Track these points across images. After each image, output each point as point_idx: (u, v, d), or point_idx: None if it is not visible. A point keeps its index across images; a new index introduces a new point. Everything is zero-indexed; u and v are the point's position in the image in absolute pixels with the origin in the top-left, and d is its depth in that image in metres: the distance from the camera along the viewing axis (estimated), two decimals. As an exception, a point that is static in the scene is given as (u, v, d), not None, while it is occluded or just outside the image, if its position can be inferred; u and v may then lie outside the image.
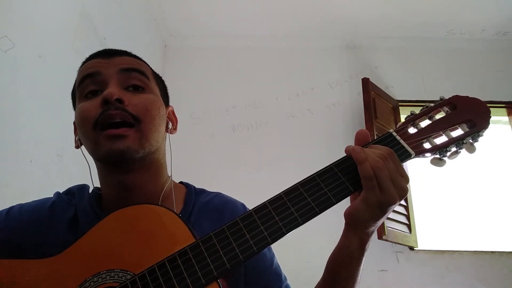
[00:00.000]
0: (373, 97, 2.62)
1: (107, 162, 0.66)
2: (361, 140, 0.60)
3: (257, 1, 2.75)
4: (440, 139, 0.61)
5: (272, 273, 0.72)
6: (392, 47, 3.03)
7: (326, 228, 2.41)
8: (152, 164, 0.70)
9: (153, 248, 0.56)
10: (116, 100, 0.63)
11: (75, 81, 0.72)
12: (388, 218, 2.26)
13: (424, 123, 0.63)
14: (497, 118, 2.85)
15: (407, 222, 2.42)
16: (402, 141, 0.60)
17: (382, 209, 0.54)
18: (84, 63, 0.72)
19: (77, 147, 0.72)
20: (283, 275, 0.74)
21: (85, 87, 0.67)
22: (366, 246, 0.58)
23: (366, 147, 0.59)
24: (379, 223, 0.57)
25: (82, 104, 0.66)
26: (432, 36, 2.98)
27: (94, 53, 0.72)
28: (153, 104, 0.68)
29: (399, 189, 0.54)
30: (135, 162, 0.65)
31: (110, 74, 0.66)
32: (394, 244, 2.37)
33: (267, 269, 0.71)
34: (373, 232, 0.58)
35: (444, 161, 0.61)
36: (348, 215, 0.57)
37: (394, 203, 0.54)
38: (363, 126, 2.58)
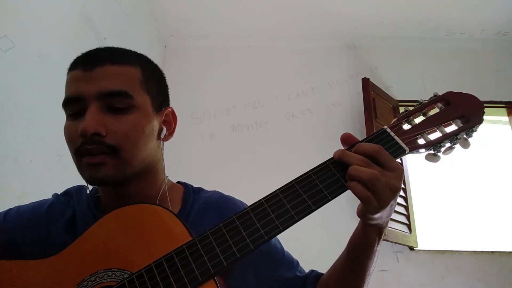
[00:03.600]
0: (373, 97, 2.62)
1: None
2: (348, 143, 0.60)
3: (257, 1, 2.75)
4: (434, 135, 0.61)
5: (286, 262, 0.74)
6: (392, 47, 3.03)
7: (326, 229, 2.42)
8: (146, 174, 0.69)
9: (150, 247, 0.57)
10: (94, 134, 0.61)
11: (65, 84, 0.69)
12: (388, 218, 2.26)
13: (418, 119, 0.63)
14: (497, 118, 2.85)
15: (407, 222, 2.42)
16: (396, 137, 0.60)
17: (384, 210, 0.56)
18: (70, 69, 0.68)
19: None
20: (295, 261, 0.76)
21: (68, 109, 0.66)
22: (384, 231, 0.62)
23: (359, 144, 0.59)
24: (391, 211, 0.58)
25: (68, 124, 0.66)
26: (432, 36, 2.98)
27: (78, 59, 0.69)
28: (135, 127, 0.64)
29: (392, 189, 0.54)
30: (123, 182, 0.65)
31: (90, 98, 0.63)
32: (394, 244, 2.37)
33: (281, 260, 0.74)
34: (388, 218, 0.60)
35: (439, 157, 0.61)
36: (360, 212, 0.58)
37: (391, 200, 0.55)
38: (363, 126, 2.58)
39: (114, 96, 0.64)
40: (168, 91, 0.77)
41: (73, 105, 0.65)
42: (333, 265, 0.70)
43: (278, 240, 0.77)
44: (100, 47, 0.71)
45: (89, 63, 0.66)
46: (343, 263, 0.67)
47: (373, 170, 0.53)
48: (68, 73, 0.68)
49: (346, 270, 0.66)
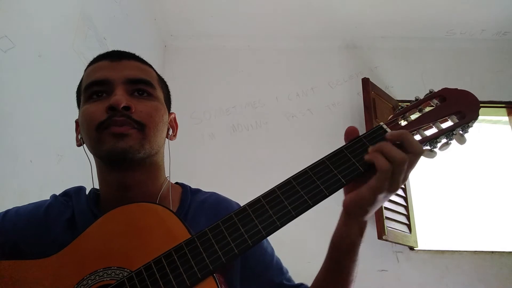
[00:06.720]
0: (373, 97, 2.62)
1: (108, 160, 0.67)
2: (352, 136, 0.61)
3: (257, 1, 2.75)
4: (430, 131, 0.62)
5: (274, 268, 0.74)
6: (392, 47, 3.03)
7: (325, 229, 2.41)
8: (151, 166, 0.72)
9: (150, 245, 0.57)
10: (123, 108, 0.65)
11: (82, 80, 0.74)
12: (388, 218, 2.26)
13: (414, 115, 0.64)
14: (497, 118, 2.84)
15: (407, 222, 2.42)
16: None
17: (385, 197, 0.56)
18: (92, 63, 0.73)
19: (79, 145, 0.73)
20: (284, 268, 0.76)
21: (89, 92, 0.69)
22: (365, 232, 0.61)
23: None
24: (375, 210, 0.59)
25: (87, 106, 0.68)
26: (432, 36, 2.98)
27: (102, 54, 0.74)
28: (157, 111, 0.70)
29: (404, 180, 0.56)
30: (135, 162, 0.67)
31: (118, 81, 0.68)
32: (394, 244, 2.37)
33: (269, 264, 0.73)
34: (372, 213, 0.60)
35: (435, 153, 0.61)
36: (351, 203, 0.58)
37: (395, 191, 0.56)
38: (363, 126, 2.58)
39: (140, 83, 0.70)
40: (170, 102, 0.83)
41: (96, 88, 0.69)
42: (316, 276, 0.69)
43: (270, 245, 0.77)
44: (120, 49, 0.77)
45: (115, 56, 0.72)
46: (325, 271, 0.66)
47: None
48: (89, 66, 0.74)
49: (328, 278, 0.65)
